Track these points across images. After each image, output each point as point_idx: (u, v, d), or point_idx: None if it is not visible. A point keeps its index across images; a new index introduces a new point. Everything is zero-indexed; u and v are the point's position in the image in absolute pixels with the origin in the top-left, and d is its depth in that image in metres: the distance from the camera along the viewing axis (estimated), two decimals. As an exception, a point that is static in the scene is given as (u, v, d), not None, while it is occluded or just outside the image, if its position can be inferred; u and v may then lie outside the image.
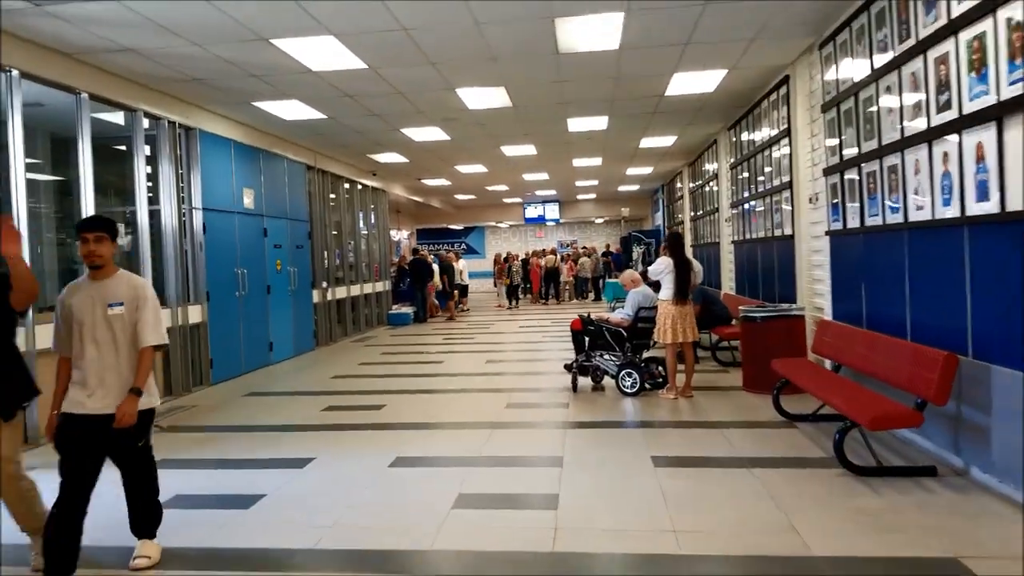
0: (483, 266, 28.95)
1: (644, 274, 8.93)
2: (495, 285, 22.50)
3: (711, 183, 14.23)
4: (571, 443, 5.80)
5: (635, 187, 22.82)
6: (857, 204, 6.37)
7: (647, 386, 7.65)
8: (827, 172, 7.14)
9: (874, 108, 5.94)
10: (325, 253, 13.32)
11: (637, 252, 21.16)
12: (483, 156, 14.71)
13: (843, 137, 6.70)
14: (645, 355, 7.98)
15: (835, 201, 6.98)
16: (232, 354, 9.64)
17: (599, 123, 11.53)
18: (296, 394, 8.45)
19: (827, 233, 7.23)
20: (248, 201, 10.25)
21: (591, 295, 23.03)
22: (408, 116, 10.32)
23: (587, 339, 8.00)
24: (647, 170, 18.32)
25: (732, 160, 12.00)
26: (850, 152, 6.51)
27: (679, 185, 18.82)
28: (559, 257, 23.43)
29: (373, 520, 4.22)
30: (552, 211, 25.28)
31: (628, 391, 7.55)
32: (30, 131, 8.29)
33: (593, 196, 25.65)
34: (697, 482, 4.72)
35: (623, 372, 7.60)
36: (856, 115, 6.34)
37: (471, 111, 10.07)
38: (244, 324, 9.98)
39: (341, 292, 14.06)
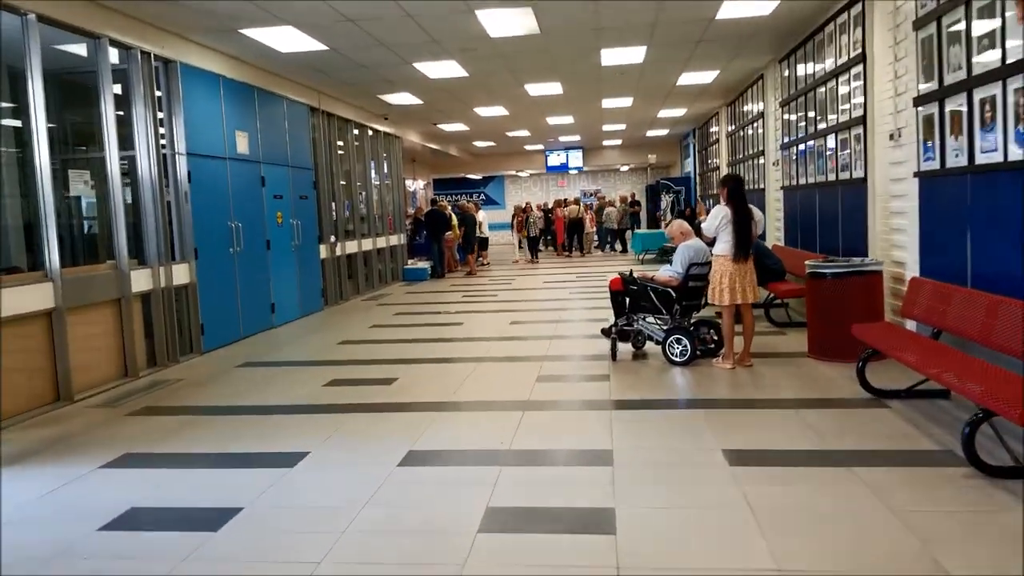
0: (503, 217, 27.75)
1: (689, 218, 7.71)
2: (514, 237, 21.35)
3: (754, 124, 12.93)
4: (620, 430, 4.78)
5: (664, 132, 21.39)
6: (963, 138, 5.20)
7: (697, 353, 6.60)
8: (919, 102, 5.93)
9: (995, 20, 4.72)
10: (333, 204, 12.24)
11: (666, 201, 19.92)
12: (504, 96, 13.45)
13: (945, 58, 5.47)
14: (695, 317, 6.93)
15: (926, 138, 5.80)
16: (227, 318, 8.67)
17: (635, 55, 10.24)
18: (297, 364, 7.48)
19: (916, 175, 6.06)
20: (242, 146, 9.15)
21: (619, 247, 21.64)
22: (421, 47, 9.12)
23: (628, 300, 6.93)
24: (680, 112, 16.95)
25: (783, 96, 10.70)
26: (955, 76, 5.30)
27: (714, 128, 17.46)
28: (582, 207, 22.11)
29: (376, 551, 3.23)
30: (575, 158, 23.92)
31: (677, 360, 6.52)
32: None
33: (619, 142, 24.23)
34: (789, 489, 3.70)
35: (671, 338, 6.55)
36: (966, 30, 5.11)
37: (492, 40, 8.84)
38: (241, 284, 8.98)
39: (352, 247, 13.02)
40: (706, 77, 12.42)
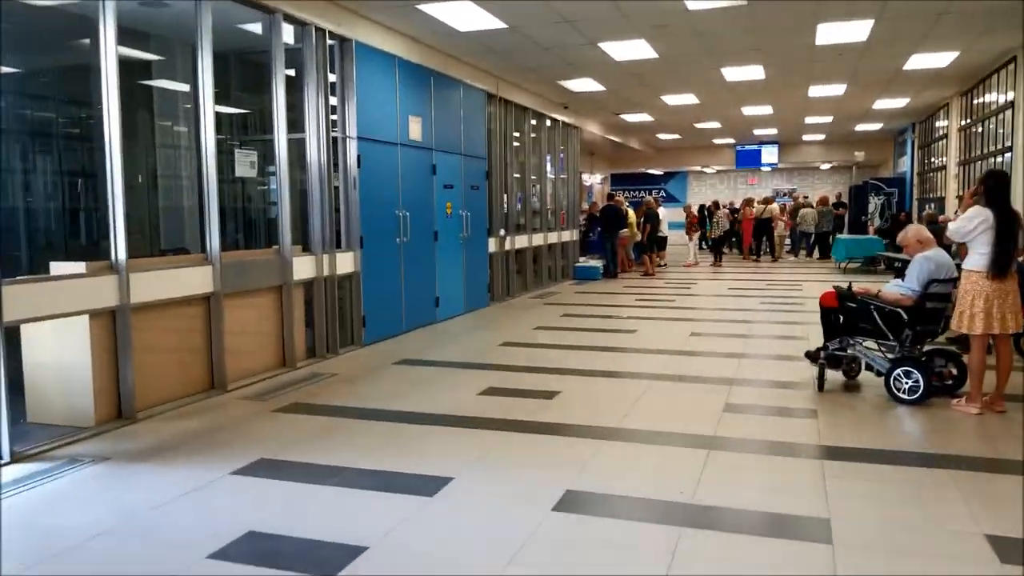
0: (683, 216, 26.23)
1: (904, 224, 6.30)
2: (692, 239, 19.82)
3: (999, 116, 10.84)
4: (835, 490, 3.70)
5: (877, 126, 18.96)
6: None
7: (931, 390, 5.27)
8: None
9: None
10: (505, 197, 11.73)
11: (875, 204, 17.65)
12: (697, 81, 12.28)
13: None
14: (927, 345, 5.59)
15: None
16: (390, 311, 8.34)
17: (859, 31, 8.74)
18: (454, 366, 6.94)
19: None
20: (415, 132, 8.79)
21: (816, 253, 19.31)
22: (608, 23, 8.28)
23: (843, 319, 5.71)
24: (901, 102, 14.79)
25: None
26: None
27: (941, 122, 15.12)
28: (777, 207, 19.99)
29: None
30: (769, 154, 21.94)
31: (905, 397, 5.23)
32: (164, 43, 7.28)
33: (821, 136, 21.93)
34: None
35: (899, 369, 5.26)
36: None
37: (690, 13, 7.81)
38: (406, 276, 8.63)
39: (522, 241, 12.46)
40: (941, 59, 10.55)
